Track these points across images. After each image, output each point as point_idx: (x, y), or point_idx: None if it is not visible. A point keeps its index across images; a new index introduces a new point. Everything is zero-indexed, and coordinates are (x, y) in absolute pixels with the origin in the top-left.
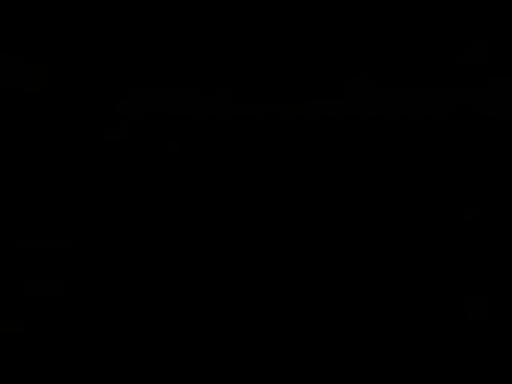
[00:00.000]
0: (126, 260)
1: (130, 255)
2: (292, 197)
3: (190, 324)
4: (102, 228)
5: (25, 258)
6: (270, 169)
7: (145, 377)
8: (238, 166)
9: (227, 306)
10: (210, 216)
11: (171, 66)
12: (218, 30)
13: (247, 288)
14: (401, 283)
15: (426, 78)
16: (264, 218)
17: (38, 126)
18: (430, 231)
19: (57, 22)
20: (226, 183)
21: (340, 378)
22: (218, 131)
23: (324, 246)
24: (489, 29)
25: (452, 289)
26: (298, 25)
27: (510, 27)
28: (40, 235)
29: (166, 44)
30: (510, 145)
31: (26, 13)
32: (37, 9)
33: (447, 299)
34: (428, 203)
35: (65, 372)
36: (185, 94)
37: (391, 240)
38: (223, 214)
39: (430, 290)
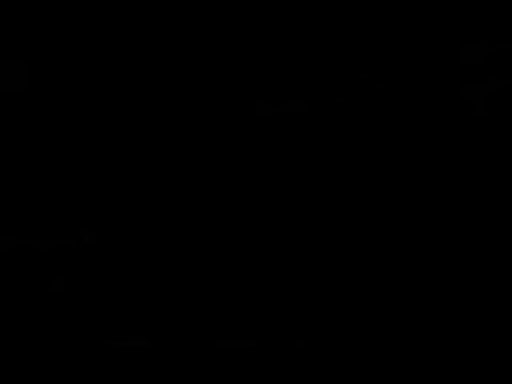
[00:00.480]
0: (126, 259)
1: (130, 255)
2: (292, 195)
3: (196, 322)
4: (102, 228)
5: (25, 257)
6: (270, 168)
7: (145, 376)
8: (238, 166)
9: (237, 304)
10: (210, 215)
11: (171, 66)
12: (218, 30)
13: (258, 285)
14: (407, 284)
15: (427, 77)
16: (265, 216)
17: (38, 126)
18: (430, 231)
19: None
20: (226, 182)
21: (348, 374)
22: (218, 131)
23: (332, 245)
24: (489, 29)
25: (452, 289)
26: (299, 25)
27: (510, 27)
28: (40, 235)
29: (165, 44)
30: (509, 145)
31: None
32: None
33: (447, 299)
34: (428, 203)
35: (65, 371)
36: (184, 94)
37: (399, 242)
38: (223, 212)
39: (430, 290)
